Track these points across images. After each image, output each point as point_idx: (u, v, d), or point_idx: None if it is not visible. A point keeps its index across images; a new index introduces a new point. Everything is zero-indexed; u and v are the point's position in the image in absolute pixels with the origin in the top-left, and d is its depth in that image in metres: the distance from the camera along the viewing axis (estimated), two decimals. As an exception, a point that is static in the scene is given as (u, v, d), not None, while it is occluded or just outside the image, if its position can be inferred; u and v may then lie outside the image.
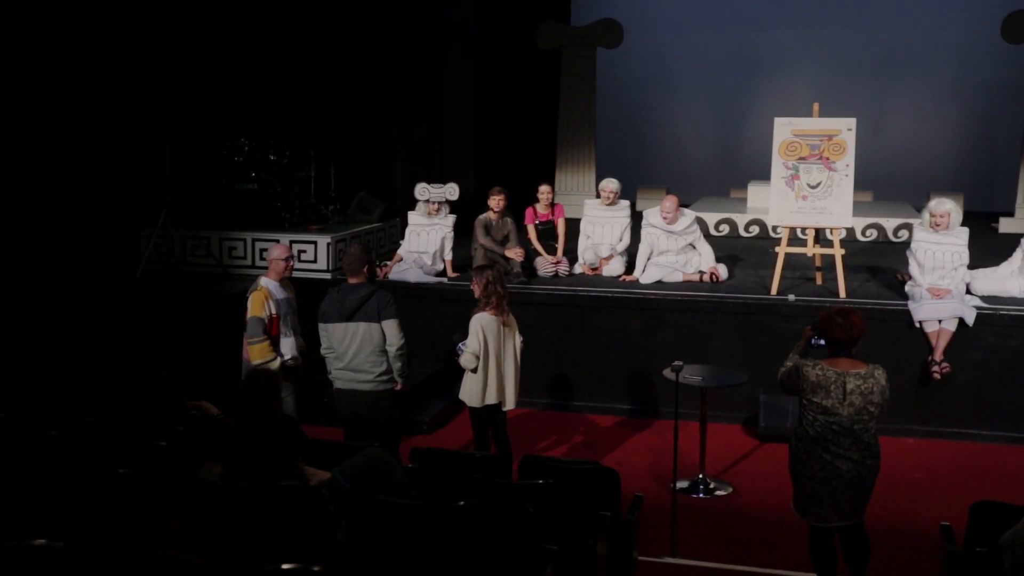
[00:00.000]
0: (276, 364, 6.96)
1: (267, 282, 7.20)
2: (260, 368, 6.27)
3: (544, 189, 10.13)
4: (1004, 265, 9.08)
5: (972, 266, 8.86)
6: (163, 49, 10.81)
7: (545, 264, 9.86)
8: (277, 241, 10.00)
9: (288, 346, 7.21)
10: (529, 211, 10.08)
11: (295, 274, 9.82)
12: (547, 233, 10.09)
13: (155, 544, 4.45)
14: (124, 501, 4.83)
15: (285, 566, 3.69)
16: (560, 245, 10.10)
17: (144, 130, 10.42)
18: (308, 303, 9.66)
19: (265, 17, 12.04)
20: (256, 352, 7.00)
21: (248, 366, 6.94)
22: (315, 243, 10.02)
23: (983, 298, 8.72)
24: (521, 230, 10.01)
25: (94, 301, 9.63)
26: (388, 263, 10.00)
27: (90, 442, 5.49)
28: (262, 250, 9.84)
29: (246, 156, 10.84)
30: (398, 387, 6.89)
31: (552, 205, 10.16)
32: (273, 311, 7.08)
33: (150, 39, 10.67)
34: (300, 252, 10.01)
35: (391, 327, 6.66)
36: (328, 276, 9.96)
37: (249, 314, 7.04)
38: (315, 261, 10.03)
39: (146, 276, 9.91)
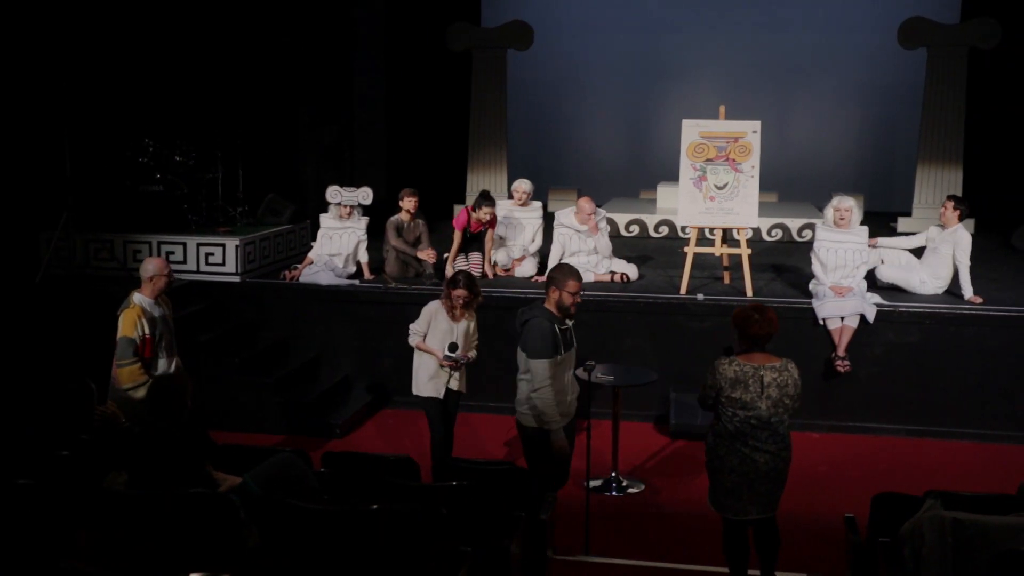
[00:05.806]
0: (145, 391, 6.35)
1: (141, 299, 6.73)
2: (165, 375, 6.12)
3: (487, 210, 9.91)
4: (917, 237, 9.37)
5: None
6: (64, 44, 10.48)
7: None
8: (183, 244, 9.85)
9: (164, 367, 6.76)
10: (462, 213, 9.92)
11: (203, 277, 9.77)
12: (473, 242, 10.00)
13: (59, 556, 4.33)
14: (25, 513, 4.68)
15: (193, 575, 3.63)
16: (487, 255, 10.02)
17: (43, 129, 10.08)
18: (214, 307, 9.58)
19: (172, 14, 11.78)
20: (126, 375, 6.57)
21: (116, 390, 6.60)
22: (223, 246, 9.83)
23: (884, 292, 9.00)
24: (434, 231, 9.89)
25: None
26: (299, 266, 9.88)
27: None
28: (168, 253, 9.62)
29: (151, 157, 10.57)
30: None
31: (490, 223, 9.94)
32: (146, 331, 6.64)
33: (49, 34, 10.34)
34: (208, 255, 9.81)
35: (530, 364, 5.90)
36: (237, 279, 9.78)
37: (119, 334, 6.59)
38: (223, 264, 9.83)
39: (47, 280, 9.60)
